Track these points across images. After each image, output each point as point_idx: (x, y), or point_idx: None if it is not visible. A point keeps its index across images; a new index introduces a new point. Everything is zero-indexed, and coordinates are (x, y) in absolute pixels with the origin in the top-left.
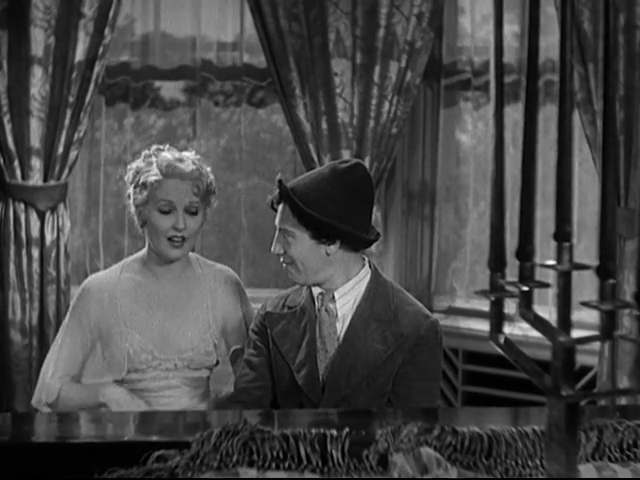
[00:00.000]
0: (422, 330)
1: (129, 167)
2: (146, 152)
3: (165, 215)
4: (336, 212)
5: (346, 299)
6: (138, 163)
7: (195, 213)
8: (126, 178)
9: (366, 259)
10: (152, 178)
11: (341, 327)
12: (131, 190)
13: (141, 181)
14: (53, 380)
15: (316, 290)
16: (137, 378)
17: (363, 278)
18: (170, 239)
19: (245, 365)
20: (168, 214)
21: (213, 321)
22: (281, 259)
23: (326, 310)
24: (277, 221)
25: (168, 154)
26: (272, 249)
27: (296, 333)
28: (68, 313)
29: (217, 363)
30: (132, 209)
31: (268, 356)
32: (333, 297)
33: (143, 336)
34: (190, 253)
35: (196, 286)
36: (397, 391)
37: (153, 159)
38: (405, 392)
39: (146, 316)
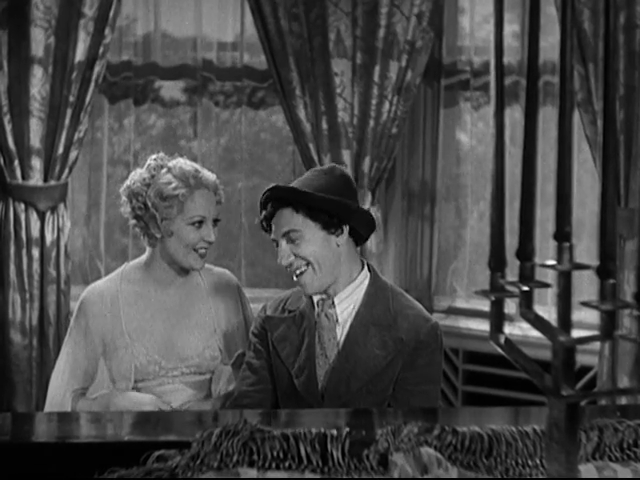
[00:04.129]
0: (422, 334)
1: (131, 180)
2: (152, 163)
3: (197, 229)
4: (338, 196)
5: (345, 304)
6: (145, 175)
7: (217, 222)
8: (125, 192)
9: (365, 262)
10: (180, 191)
11: (341, 333)
12: (153, 202)
13: (166, 194)
14: (65, 399)
15: (316, 296)
16: (142, 386)
17: (362, 282)
18: (196, 249)
19: (246, 368)
20: (199, 227)
21: (217, 325)
22: (293, 267)
23: (326, 315)
24: (278, 230)
25: (181, 164)
26: (280, 260)
27: (295, 338)
28: (70, 327)
29: None
30: (149, 223)
31: (269, 359)
32: (333, 302)
33: (149, 347)
34: None
35: (197, 292)
36: (397, 396)
37: (164, 170)
38: (405, 397)
39: (151, 327)
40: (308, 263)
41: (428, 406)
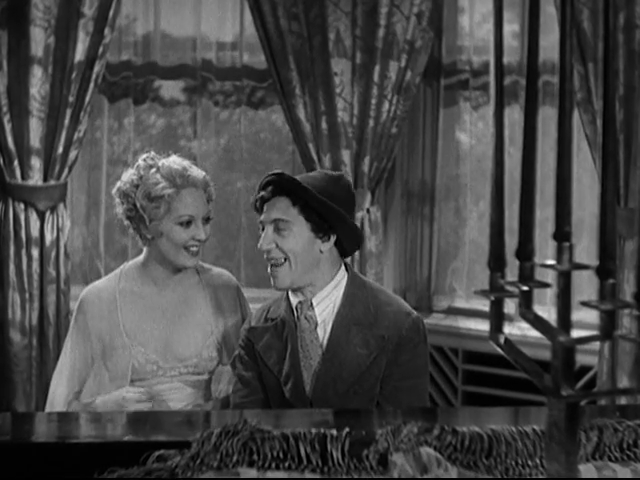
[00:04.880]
0: (403, 330)
1: (122, 181)
2: (141, 164)
3: (186, 228)
4: (337, 206)
5: (324, 305)
6: (133, 177)
7: (209, 220)
8: (116, 193)
9: (342, 262)
10: (167, 191)
11: (323, 334)
12: (142, 204)
13: (153, 195)
14: (61, 398)
15: (295, 300)
16: (140, 385)
17: (340, 282)
18: (187, 248)
19: (237, 381)
20: (188, 226)
21: (215, 326)
22: (271, 255)
23: (305, 318)
24: (269, 215)
25: (170, 163)
26: (261, 245)
27: (279, 346)
28: (70, 328)
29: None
30: (139, 224)
31: (257, 369)
32: (311, 305)
33: (147, 348)
34: None
35: (196, 292)
36: (385, 393)
37: (153, 170)
38: (393, 393)
39: (149, 327)
40: (286, 258)
41: (417, 401)
